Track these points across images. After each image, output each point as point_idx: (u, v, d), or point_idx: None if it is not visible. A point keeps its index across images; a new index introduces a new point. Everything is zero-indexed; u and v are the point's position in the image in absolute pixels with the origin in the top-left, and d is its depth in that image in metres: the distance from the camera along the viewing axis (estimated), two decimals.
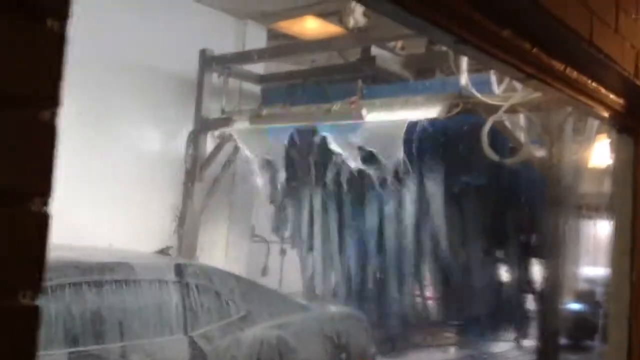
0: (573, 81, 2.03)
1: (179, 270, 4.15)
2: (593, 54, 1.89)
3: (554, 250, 4.80)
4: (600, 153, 4.47)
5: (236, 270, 7.84)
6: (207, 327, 4.07)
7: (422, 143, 5.31)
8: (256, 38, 7.46)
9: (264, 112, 5.76)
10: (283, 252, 10.53)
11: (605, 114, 2.35)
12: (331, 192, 6.12)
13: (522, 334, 6.28)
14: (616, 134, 2.53)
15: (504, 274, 5.97)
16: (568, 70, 1.98)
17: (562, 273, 4.79)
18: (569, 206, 4.66)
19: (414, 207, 5.51)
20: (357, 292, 6.09)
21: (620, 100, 2.30)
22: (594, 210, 5.24)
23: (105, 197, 6.50)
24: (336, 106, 5.19)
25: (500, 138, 4.87)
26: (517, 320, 6.03)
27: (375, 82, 5.86)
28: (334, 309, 5.22)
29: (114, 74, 6.62)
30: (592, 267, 6.61)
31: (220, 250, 7.66)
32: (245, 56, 6.50)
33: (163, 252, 4.91)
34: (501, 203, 5.33)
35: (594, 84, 2.11)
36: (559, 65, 1.94)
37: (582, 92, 2.11)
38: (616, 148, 2.57)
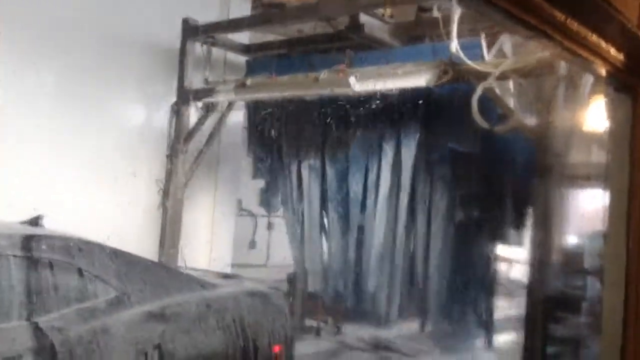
0: (574, 33, 1.93)
1: (28, 242, 3.44)
2: (596, 1, 1.79)
3: (543, 220, 4.74)
4: (593, 119, 4.40)
5: (223, 244, 7.83)
6: (59, 312, 3.35)
7: (412, 110, 5.22)
8: (240, 7, 7.28)
9: (249, 82, 5.61)
10: (270, 225, 10.49)
11: (604, 71, 2.26)
12: (317, 162, 6.02)
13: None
14: (614, 93, 2.44)
15: (491, 244, 5.90)
16: (569, 21, 1.88)
17: (551, 244, 4.74)
18: (560, 175, 4.59)
19: (404, 174, 5.43)
20: (340, 268, 6.02)
21: (620, 56, 2.21)
22: (586, 179, 5.18)
23: (87, 171, 6.36)
24: (324, 75, 5.06)
25: (491, 105, 4.78)
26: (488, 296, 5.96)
27: (363, 49, 5.73)
28: (244, 287, 4.44)
29: (95, 45, 6.44)
30: (583, 238, 6.58)
31: (205, 224, 7.56)
32: (229, 25, 6.33)
33: (32, 222, 3.97)
34: (490, 171, 5.24)
35: (594, 37, 2.01)
36: (560, 16, 1.84)
37: (582, 46, 2.01)
38: (613, 108, 2.49)
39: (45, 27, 5.88)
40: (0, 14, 5.40)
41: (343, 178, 5.85)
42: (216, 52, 7.31)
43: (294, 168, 6.30)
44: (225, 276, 5.00)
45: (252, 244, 9.94)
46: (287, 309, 4.44)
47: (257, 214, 9.92)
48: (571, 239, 6.61)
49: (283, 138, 6.33)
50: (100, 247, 3.85)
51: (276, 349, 4.10)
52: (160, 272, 4.22)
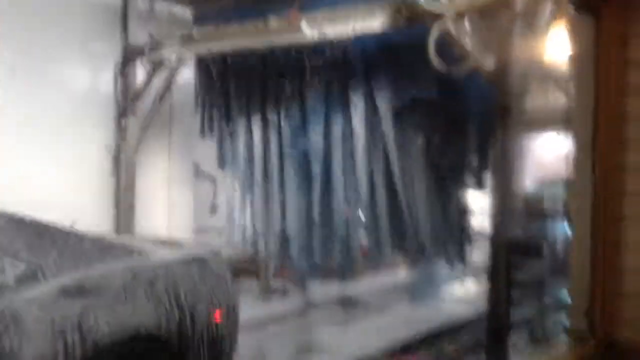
0: None
1: None
2: None
3: (503, 165, 4.65)
4: (553, 52, 4.28)
5: (182, 209, 7.59)
6: None
7: (366, 56, 5.02)
8: None
9: (195, 33, 5.31)
10: (233, 187, 10.26)
11: None
12: (271, 116, 5.80)
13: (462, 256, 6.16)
14: (576, 14, 2.28)
15: (453, 193, 5.82)
16: None
17: (511, 189, 4.66)
18: (520, 117, 4.48)
19: (362, 126, 5.25)
20: (300, 226, 5.86)
21: None
22: (546, 121, 5.10)
23: (33, 140, 6.03)
24: (273, 22, 4.80)
25: (448, 48, 4.61)
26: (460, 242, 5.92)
27: None
28: (178, 254, 4.01)
29: (30, 4, 6.03)
30: (544, 183, 6.59)
31: (162, 189, 7.29)
32: None
33: None
34: (450, 117, 5.11)
35: None
36: None
37: None
38: (576, 32, 2.34)
39: None
40: None
41: (300, 132, 5.63)
42: (161, 5, 6.95)
43: (244, 123, 6.05)
44: (163, 242, 4.59)
45: (213, 208, 9.70)
46: (228, 272, 3.99)
47: (217, 176, 9.66)
48: (531, 185, 6.61)
49: (233, 93, 6.06)
50: (4, 216, 3.43)
51: (216, 315, 3.73)
52: (80, 241, 3.77)
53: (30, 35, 5.95)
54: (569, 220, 3.10)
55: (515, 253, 4.81)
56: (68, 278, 3.25)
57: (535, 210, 6.87)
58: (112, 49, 6.45)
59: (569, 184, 2.83)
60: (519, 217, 4.93)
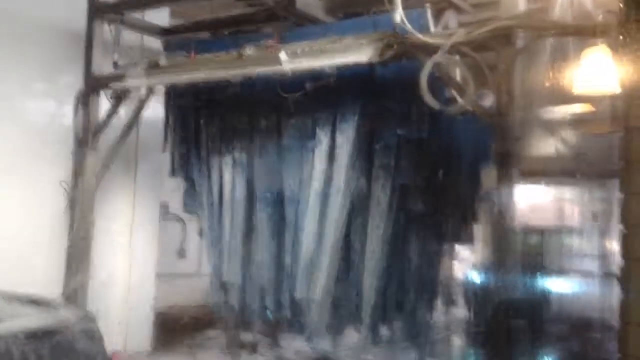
0: None
1: None
2: None
3: (498, 213, 4.18)
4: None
5: (145, 253, 6.98)
6: None
7: (352, 91, 4.59)
8: None
9: (162, 61, 4.84)
10: (202, 231, 9.67)
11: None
12: (242, 155, 5.28)
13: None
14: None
15: (437, 241, 5.28)
16: None
17: (506, 240, 4.18)
18: (519, 162, 4.04)
19: (341, 166, 4.76)
20: (268, 277, 5.29)
21: None
22: (549, 166, 4.67)
23: None
24: (250, 50, 4.36)
25: (440, 85, 4.21)
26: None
27: (298, 25, 5.08)
28: (41, 317, 3.45)
29: None
30: (544, 233, 6.14)
31: (123, 230, 6.71)
32: (137, 1, 5.52)
33: None
34: (440, 159, 4.65)
35: None
36: None
37: None
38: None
39: None
40: None
41: (273, 173, 5.12)
42: (132, 36, 6.51)
43: (214, 163, 5.53)
44: (34, 301, 3.96)
45: (181, 252, 9.10)
46: (99, 333, 3.49)
47: (186, 218, 9.08)
48: (530, 235, 6.15)
49: (203, 129, 5.56)
50: None
51: None
52: None
53: None
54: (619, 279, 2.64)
55: (511, 314, 4.28)
56: None
57: (534, 263, 6.40)
58: (75, 79, 5.96)
59: (624, 239, 2.41)
60: (514, 271, 4.44)
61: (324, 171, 4.88)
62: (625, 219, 2.53)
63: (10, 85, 5.76)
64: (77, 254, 5.65)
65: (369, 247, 4.85)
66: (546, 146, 4.72)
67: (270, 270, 5.23)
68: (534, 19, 3.81)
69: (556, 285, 6.25)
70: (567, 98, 4.20)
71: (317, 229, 4.91)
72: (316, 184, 4.89)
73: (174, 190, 7.10)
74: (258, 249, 5.27)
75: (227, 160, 5.39)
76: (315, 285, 4.95)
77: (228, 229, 5.58)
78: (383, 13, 4.37)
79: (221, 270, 5.64)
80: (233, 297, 5.75)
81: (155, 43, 6.43)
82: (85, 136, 5.65)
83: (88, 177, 5.67)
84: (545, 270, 6.31)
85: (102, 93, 5.65)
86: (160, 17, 6.57)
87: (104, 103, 5.79)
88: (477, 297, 5.65)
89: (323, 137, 4.88)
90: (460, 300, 5.76)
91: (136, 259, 6.73)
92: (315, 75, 4.61)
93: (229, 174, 5.44)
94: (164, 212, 8.32)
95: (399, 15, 4.03)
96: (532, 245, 6.33)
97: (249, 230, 5.35)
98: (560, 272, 6.30)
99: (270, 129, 5.12)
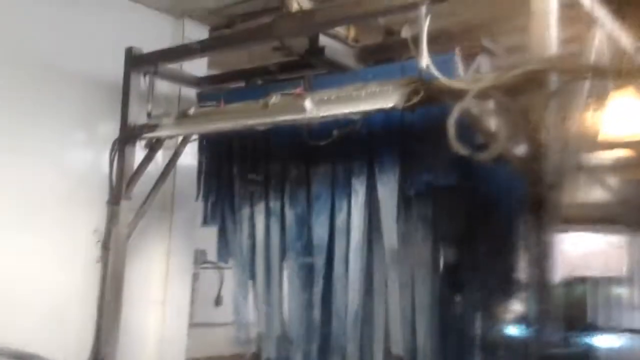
0: None
1: None
2: None
3: (537, 266, 3.93)
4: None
5: (179, 301, 6.92)
6: None
7: (377, 136, 4.47)
8: (197, 38, 6.62)
9: (192, 111, 4.87)
10: (236, 281, 9.59)
11: None
12: (274, 203, 5.20)
13: None
14: None
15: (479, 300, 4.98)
16: None
17: (547, 294, 3.91)
18: (556, 211, 3.81)
19: (383, 214, 4.59)
20: (301, 331, 5.10)
21: None
22: (590, 214, 4.40)
23: (20, 221, 5.60)
24: (275, 99, 4.33)
25: (471, 131, 4.05)
26: None
27: (327, 73, 5.06)
28: None
29: (30, 78, 5.79)
30: (584, 285, 5.78)
31: (157, 281, 6.69)
32: (173, 53, 5.63)
33: None
34: (473, 209, 4.44)
35: None
36: None
37: None
38: None
39: None
40: None
41: (304, 222, 5.01)
42: (169, 87, 6.66)
43: (245, 212, 5.46)
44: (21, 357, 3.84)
45: (218, 300, 9.03)
46: None
47: (224, 266, 9.05)
48: (571, 288, 5.80)
49: (236, 177, 5.53)
50: None
51: None
52: None
53: (26, 108, 5.69)
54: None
55: None
56: None
57: (577, 317, 5.99)
58: (113, 129, 6.09)
59: None
60: (556, 326, 4.15)
61: (363, 221, 4.72)
62: None
63: (50, 134, 5.92)
64: (108, 311, 5.61)
65: (418, 303, 4.61)
66: (586, 193, 4.46)
67: (300, 320, 5.06)
68: (567, 61, 3.64)
69: (602, 339, 5.83)
70: (605, 142, 3.98)
71: (359, 281, 4.73)
72: (356, 235, 4.72)
73: (211, 237, 7.09)
74: (289, 298, 5.15)
75: (257, 207, 5.33)
76: (355, 342, 4.71)
77: (262, 278, 5.48)
78: (413, 59, 4.29)
79: (254, 320, 5.53)
80: (265, 347, 5.59)
81: (193, 93, 6.55)
82: (119, 185, 5.70)
83: (121, 226, 5.69)
84: (590, 324, 5.91)
85: (136, 143, 5.72)
86: (198, 67, 6.71)
87: (139, 153, 5.88)
88: (517, 353, 5.31)
89: (359, 187, 4.73)
90: (501, 355, 5.41)
91: (169, 311, 6.67)
92: (344, 123, 4.54)
93: (260, 221, 5.37)
94: (202, 259, 8.31)
95: (425, 60, 3.94)
96: (575, 297, 5.95)
97: (281, 279, 5.24)
98: (607, 325, 5.89)
99: (301, 177, 5.05)
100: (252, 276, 5.57)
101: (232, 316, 9.05)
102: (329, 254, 4.81)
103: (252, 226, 5.46)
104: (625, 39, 4.12)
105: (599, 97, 3.57)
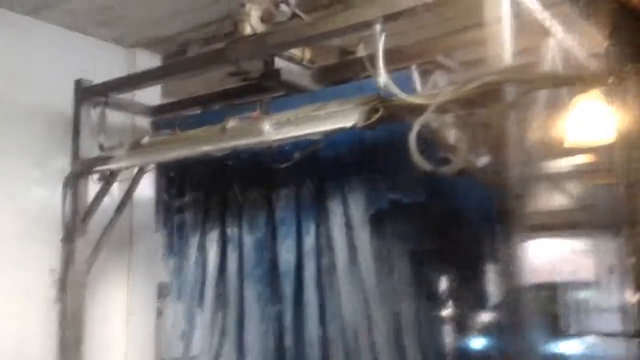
0: None
1: None
2: None
3: (508, 275, 3.90)
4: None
5: (142, 338, 6.68)
6: None
7: (339, 156, 4.41)
8: (149, 66, 6.48)
9: (145, 141, 4.72)
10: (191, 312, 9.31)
11: None
12: (232, 231, 5.05)
13: None
14: None
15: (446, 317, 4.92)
16: None
17: (519, 304, 3.88)
18: (524, 219, 3.80)
19: (338, 236, 4.50)
20: None
21: None
22: (557, 220, 4.42)
23: None
24: (232, 123, 4.23)
25: (434, 146, 4.02)
26: None
27: (285, 95, 4.99)
28: None
29: None
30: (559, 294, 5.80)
31: (120, 315, 6.44)
32: (123, 82, 5.48)
33: None
34: (442, 223, 4.40)
35: None
36: None
37: None
38: None
39: None
40: None
41: (264, 247, 4.87)
42: (122, 118, 6.47)
43: (194, 241, 5.31)
44: None
45: (184, 335, 8.73)
46: None
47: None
48: (542, 292, 5.81)
49: (191, 205, 5.37)
50: None
51: None
52: None
53: None
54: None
55: None
56: None
57: (547, 322, 5.99)
58: (65, 164, 5.87)
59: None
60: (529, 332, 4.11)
61: (346, 242, 4.57)
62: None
63: (1, 171, 5.67)
64: (70, 352, 5.34)
65: (380, 318, 4.50)
66: (551, 200, 4.49)
67: (268, 351, 4.88)
68: (522, 72, 3.66)
69: (572, 345, 5.86)
70: (566, 150, 4.01)
71: (328, 300, 4.58)
72: (341, 254, 4.58)
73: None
74: (249, 329, 4.96)
75: (210, 236, 5.18)
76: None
77: (211, 309, 5.31)
78: (370, 77, 4.26)
79: (218, 354, 5.32)
80: None
81: (147, 123, 6.38)
82: (74, 221, 5.48)
83: (78, 264, 5.46)
84: (560, 330, 5.93)
85: (89, 177, 5.51)
86: (152, 96, 6.56)
87: (93, 187, 5.67)
88: None
89: (336, 208, 4.61)
90: None
91: (132, 347, 6.42)
92: (305, 144, 4.46)
93: (213, 251, 5.22)
94: (166, 293, 8.05)
95: (382, 78, 3.91)
96: (544, 303, 5.98)
97: (239, 309, 5.05)
98: (576, 330, 5.92)
99: (259, 202, 4.92)
100: (201, 306, 5.40)
101: (200, 349, 8.86)
102: (297, 279, 4.67)
103: (204, 255, 5.30)
104: (577, 47, 4.18)
105: (558, 105, 3.59)
